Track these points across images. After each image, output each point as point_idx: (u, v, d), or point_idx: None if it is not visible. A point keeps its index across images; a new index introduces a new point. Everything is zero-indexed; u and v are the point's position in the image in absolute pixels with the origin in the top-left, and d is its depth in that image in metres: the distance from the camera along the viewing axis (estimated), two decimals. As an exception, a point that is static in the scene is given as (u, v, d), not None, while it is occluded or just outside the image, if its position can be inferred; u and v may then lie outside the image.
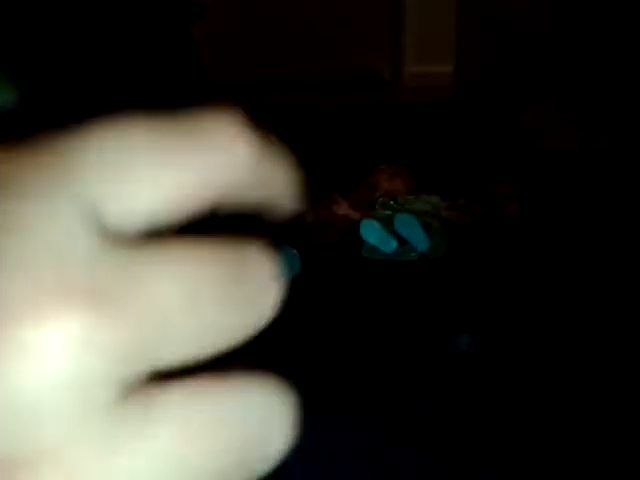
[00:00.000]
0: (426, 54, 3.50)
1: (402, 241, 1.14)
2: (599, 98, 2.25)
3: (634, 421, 0.70)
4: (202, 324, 0.12)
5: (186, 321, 0.11)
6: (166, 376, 0.12)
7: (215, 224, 0.17)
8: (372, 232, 1.14)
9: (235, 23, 3.67)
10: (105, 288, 0.11)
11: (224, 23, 3.61)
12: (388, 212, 1.21)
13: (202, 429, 0.11)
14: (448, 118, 2.76)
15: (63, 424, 0.10)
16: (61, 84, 1.03)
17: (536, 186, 1.32)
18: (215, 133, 0.17)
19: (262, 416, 0.12)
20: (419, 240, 1.13)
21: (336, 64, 3.83)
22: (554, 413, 0.74)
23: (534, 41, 2.57)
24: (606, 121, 1.95)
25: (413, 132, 2.42)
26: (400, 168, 1.41)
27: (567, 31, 2.46)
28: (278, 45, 3.71)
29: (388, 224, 1.15)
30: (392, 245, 1.13)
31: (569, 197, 1.53)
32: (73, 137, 0.14)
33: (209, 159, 0.17)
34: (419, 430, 0.70)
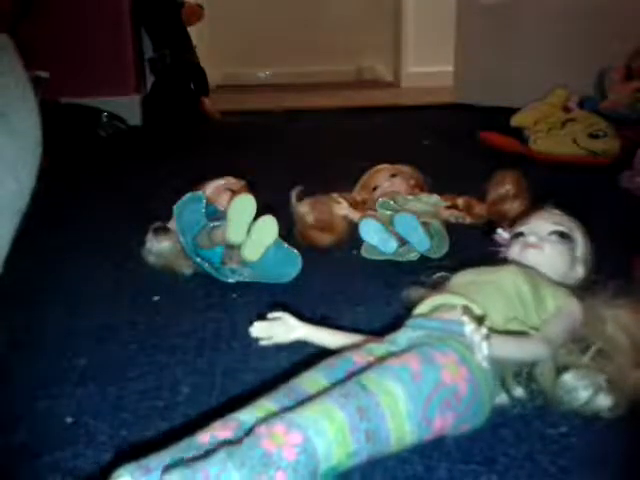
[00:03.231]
0: (425, 56, 3.50)
1: (402, 241, 1.14)
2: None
3: None
4: None
5: None
6: None
7: None
8: (372, 232, 1.14)
9: (239, 26, 3.67)
10: None
11: (230, 26, 3.62)
12: (388, 212, 1.20)
13: None
14: (448, 119, 2.76)
15: None
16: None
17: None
18: None
19: None
20: (419, 240, 1.13)
21: (338, 66, 3.84)
22: None
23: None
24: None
25: (413, 132, 2.43)
26: (400, 168, 1.41)
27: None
28: (281, 48, 3.71)
29: (388, 224, 1.15)
30: (392, 245, 1.13)
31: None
32: None
33: None
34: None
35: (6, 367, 0.84)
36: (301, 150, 2.12)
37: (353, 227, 1.22)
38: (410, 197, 1.28)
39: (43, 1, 2.32)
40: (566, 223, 0.86)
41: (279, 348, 0.88)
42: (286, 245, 1.08)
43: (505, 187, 1.28)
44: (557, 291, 0.76)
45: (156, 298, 1.04)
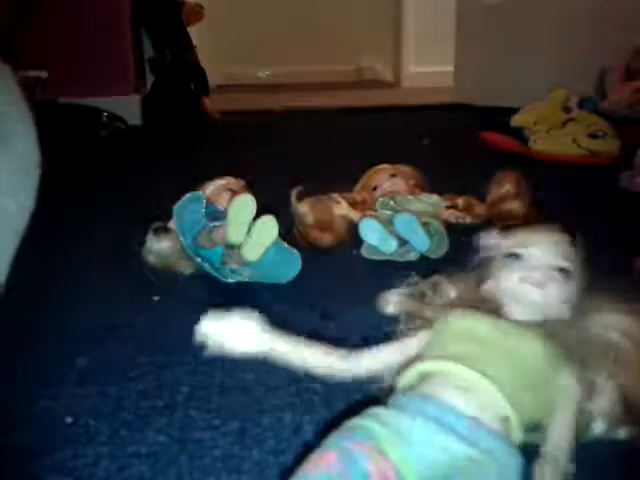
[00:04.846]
0: (426, 56, 3.50)
1: (402, 241, 1.14)
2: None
3: None
4: None
5: None
6: None
7: None
8: (372, 232, 1.14)
9: (239, 26, 3.67)
10: None
11: (230, 26, 3.62)
12: (388, 212, 1.20)
13: None
14: (448, 119, 2.76)
15: None
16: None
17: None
18: None
19: None
20: (419, 240, 1.13)
21: (338, 66, 3.84)
22: None
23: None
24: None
25: (413, 132, 2.43)
26: (400, 168, 1.41)
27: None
28: (281, 48, 3.72)
29: (388, 224, 1.15)
30: (392, 245, 1.13)
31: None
32: None
33: None
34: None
35: (6, 367, 0.84)
36: (301, 150, 2.12)
37: (353, 227, 1.22)
38: (410, 197, 1.28)
39: (42, 1, 2.32)
40: (568, 253, 0.70)
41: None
42: (286, 245, 1.08)
43: (505, 187, 1.28)
44: (564, 373, 0.63)
45: (156, 298, 1.04)
